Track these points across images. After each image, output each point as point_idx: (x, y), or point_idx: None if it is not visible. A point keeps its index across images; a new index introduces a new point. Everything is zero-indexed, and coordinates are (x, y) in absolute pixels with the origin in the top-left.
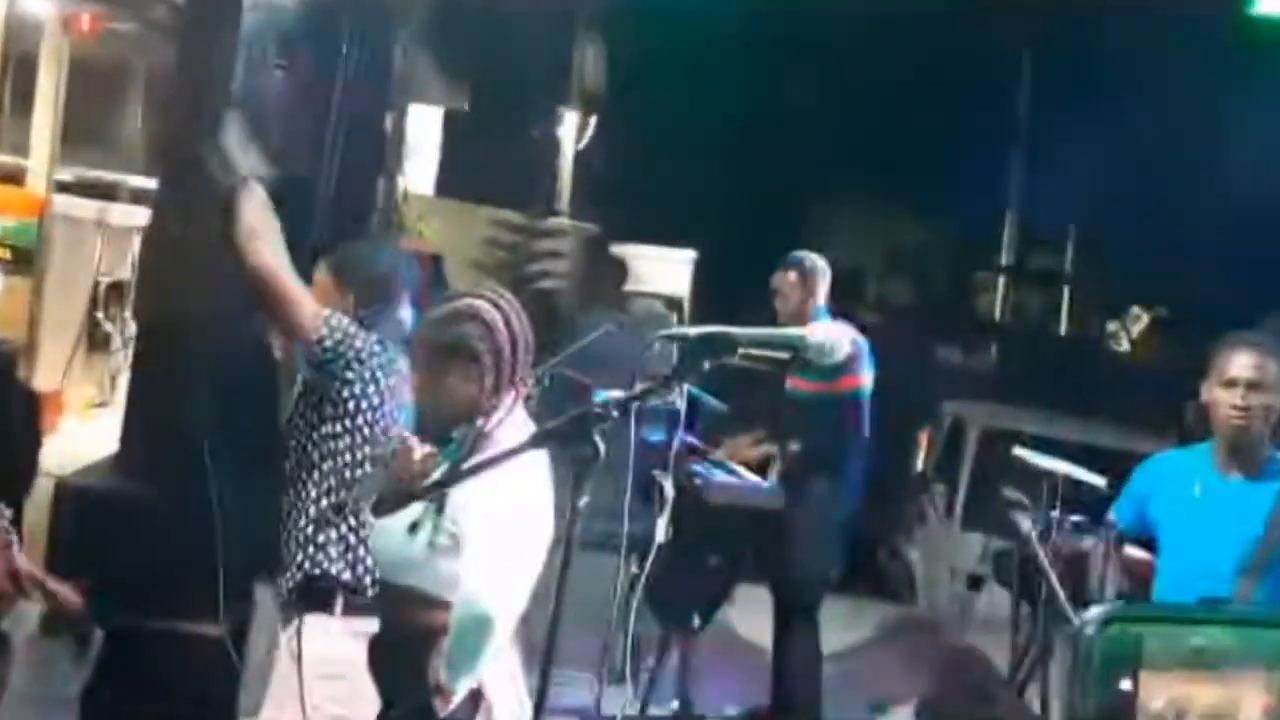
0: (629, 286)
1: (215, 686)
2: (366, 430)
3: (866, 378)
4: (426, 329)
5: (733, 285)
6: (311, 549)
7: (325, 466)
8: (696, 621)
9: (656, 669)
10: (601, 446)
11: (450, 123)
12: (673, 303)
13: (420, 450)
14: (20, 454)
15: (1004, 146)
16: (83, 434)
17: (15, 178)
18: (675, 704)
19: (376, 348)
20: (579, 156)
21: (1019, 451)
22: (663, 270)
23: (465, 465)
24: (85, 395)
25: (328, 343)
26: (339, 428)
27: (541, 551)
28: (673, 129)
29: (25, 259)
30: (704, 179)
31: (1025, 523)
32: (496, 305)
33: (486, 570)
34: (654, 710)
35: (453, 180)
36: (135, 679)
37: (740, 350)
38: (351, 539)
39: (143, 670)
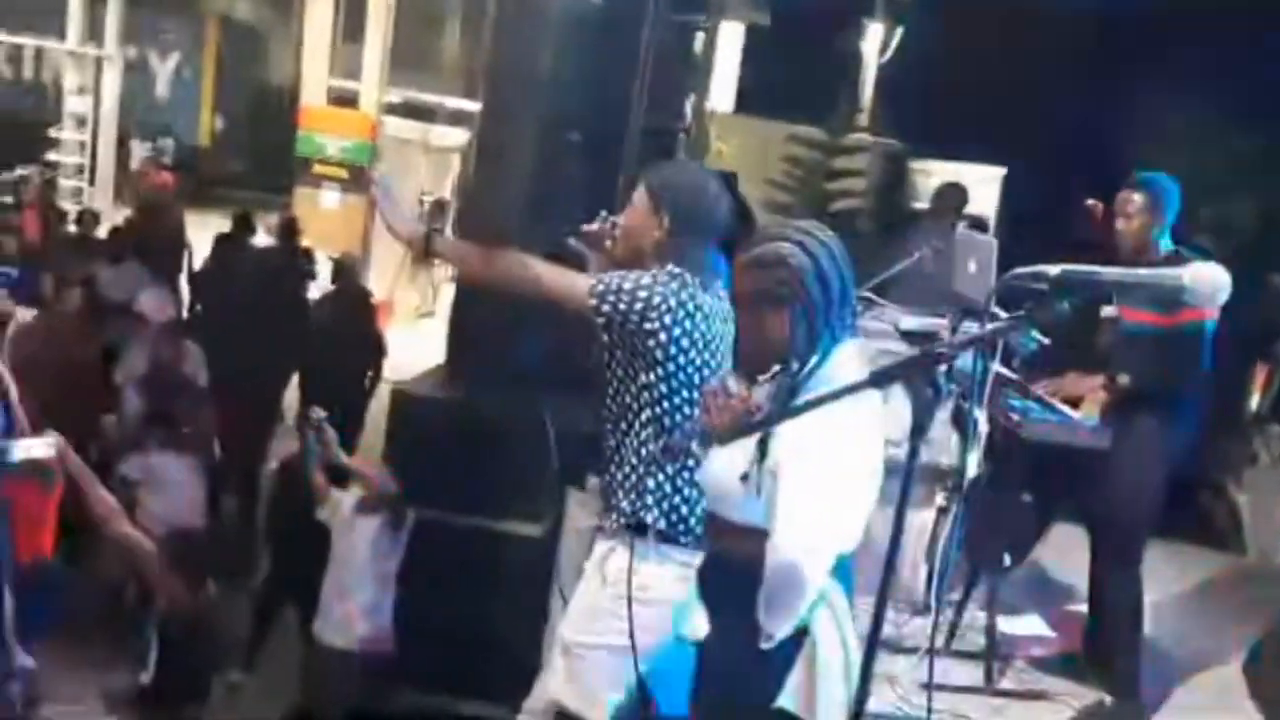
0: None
1: (531, 584)
2: (683, 375)
3: (1212, 311)
4: (736, 276)
5: (1044, 204)
6: (634, 496)
7: (645, 415)
8: (1007, 559)
9: (962, 604)
10: (944, 388)
11: (751, 38)
12: (979, 223)
13: (739, 392)
14: (369, 355)
15: None
16: (410, 341)
17: (349, 101)
18: (981, 641)
19: (671, 287)
20: (883, 69)
21: None
22: (968, 188)
23: (797, 403)
24: (412, 304)
25: (605, 308)
26: (653, 376)
27: (868, 494)
28: (981, 38)
29: (359, 178)
30: (1015, 91)
31: None
32: (804, 247)
33: (802, 518)
34: (958, 646)
35: (752, 97)
36: (459, 572)
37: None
38: (668, 488)
39: (466, 564)
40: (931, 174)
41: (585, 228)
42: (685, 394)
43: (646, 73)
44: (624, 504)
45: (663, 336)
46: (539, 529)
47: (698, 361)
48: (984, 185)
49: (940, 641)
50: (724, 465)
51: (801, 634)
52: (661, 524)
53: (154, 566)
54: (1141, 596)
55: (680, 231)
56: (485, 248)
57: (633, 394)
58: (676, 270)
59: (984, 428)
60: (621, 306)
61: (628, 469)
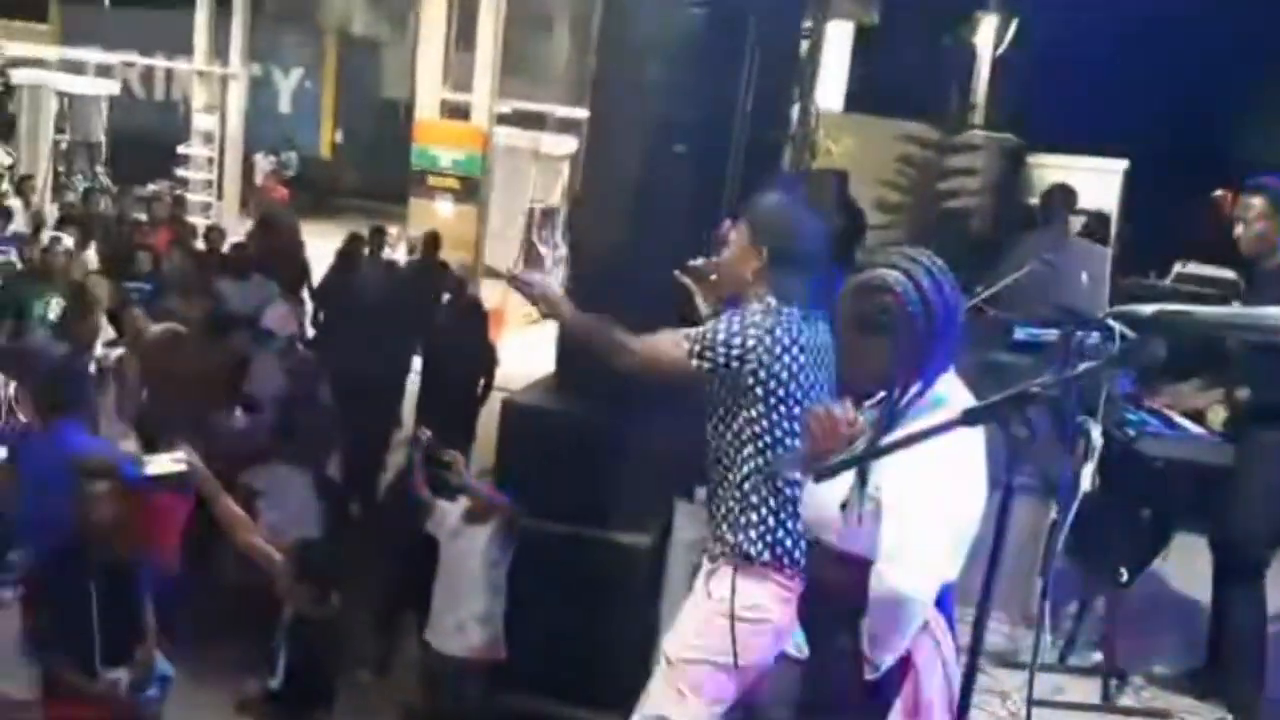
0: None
1: (640, 592)
2: (782, 408)
3: None
4: (841, 301)
5: (1168, 197)
6: (737, 530)
7: (748, 450)
8: (1124, 575)
9: (1078, 619)
10: (1037, 429)
11: (861, 37)
12: (1099, 218)
13: (844, 417)
14: (481, 365)
15: None
16: (521, 347)
17: (463, 111)
18: (1097, 657)
19: (765, 326)
20: (997, 63)
21: None
22: (1089, 182)
23: (889, 439)
24: (522, 312)
25: (705, 366)
26: (755, 412)
27: (970, 526)
28: (1101, 27)
29: (471, 188)
30: (1137, 81)
31: None
32: (910, 275)
33: (906, 549)
34: (1073, 661)
35: (863, 95)
36: (567, 581)
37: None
38: (771, 521)
39: (574, 573)
40: (1050, 168)
41: (689, 264)
42: (786, 425)
43: (750, 82)
44: (728, 535)
45: (761, 374)
46: (647, 539)
47: (797, 395)
48: (1105, 178)
49: (1056, 657)
50: (824, 493)
51: (905, 663)
52: (766, 556)
53: (281, 576)
54: (1265, 611)
55: (779, 264)
56: (599, 331)
57: (735, 430)
58: (772, 303)
59: (1098, 441)
60: (720, 359)
61: (730, 502)
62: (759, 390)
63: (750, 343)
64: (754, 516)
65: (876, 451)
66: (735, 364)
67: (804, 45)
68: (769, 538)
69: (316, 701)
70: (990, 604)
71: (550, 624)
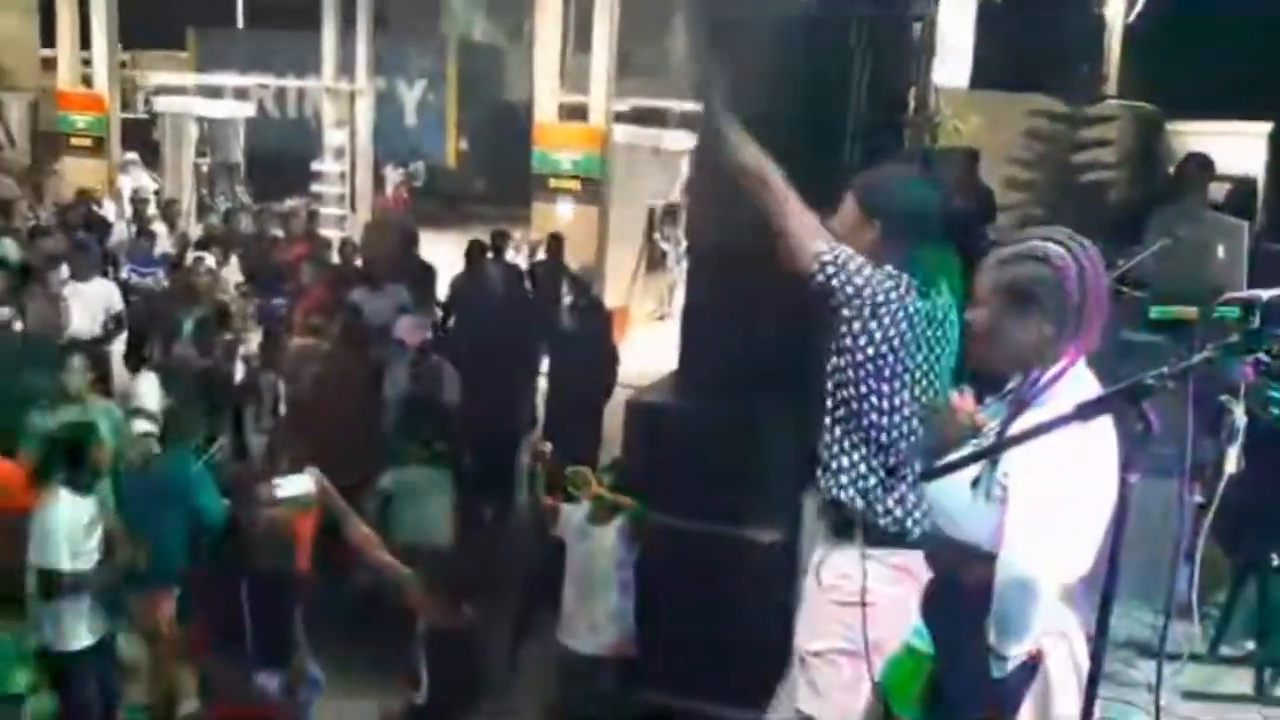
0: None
1: (770, 587)
2: (870, 366)
3: None
4: (991, 267)
5: None
6: (828, 474)
7: (838, 396)
8: (1276, 560)
9: (1228, 608)
10: (1155, 422)
11: (985, 12)
12: (1245, 184)
13: (968, 409)
14: (604, 365)
15: None
16: (648, 343)
17: (580, 113)
18: (1250, 645)
19: (886, 284)
20: (1130, 30)
21: None
22: (1232, 147)
23: (1017, 429)
24: (647, 309)
25: (819, 277)
26: (842, 362)
27: (1100, 514)
28: None
29: (592, 188)
30: (1276, 39)
31: None
32: (1068, 249)
33: (1032, 535)
34: (1225, 651)
35: (989, 72)
36: (698, 578)
37: None
38: (863, 468)
39: (706, 569)
40: (1189, 135)
41: None
42: (872, 384)
43: (864, 67)
44: (821, 482)
45: (855, 326)
46: (776, 534)
47: (890, 360)
48: (1248, 143)
49: (1207, 647)
50: (953, 483)
51: (1034, 663)
52: (858, 503)
53: (412, 591)
54: None
55: (892, 236)
56: (766, 161)
57: (827, 374)
58: (895, 272)
59: (1241, 421)
60: (834, 283)
61: (821, 448)
62: (847, 340)
63: (866, 293)
64: (845, 462)
65: (1004, 444)
66: (841, 298)
67: (918, 26)
68: (860, 484)
69: (460, 712)
70: (1114, 599)
71: (682, 620)
